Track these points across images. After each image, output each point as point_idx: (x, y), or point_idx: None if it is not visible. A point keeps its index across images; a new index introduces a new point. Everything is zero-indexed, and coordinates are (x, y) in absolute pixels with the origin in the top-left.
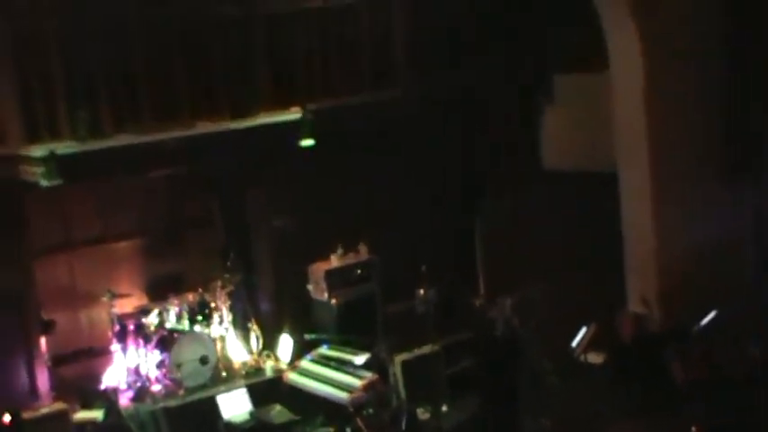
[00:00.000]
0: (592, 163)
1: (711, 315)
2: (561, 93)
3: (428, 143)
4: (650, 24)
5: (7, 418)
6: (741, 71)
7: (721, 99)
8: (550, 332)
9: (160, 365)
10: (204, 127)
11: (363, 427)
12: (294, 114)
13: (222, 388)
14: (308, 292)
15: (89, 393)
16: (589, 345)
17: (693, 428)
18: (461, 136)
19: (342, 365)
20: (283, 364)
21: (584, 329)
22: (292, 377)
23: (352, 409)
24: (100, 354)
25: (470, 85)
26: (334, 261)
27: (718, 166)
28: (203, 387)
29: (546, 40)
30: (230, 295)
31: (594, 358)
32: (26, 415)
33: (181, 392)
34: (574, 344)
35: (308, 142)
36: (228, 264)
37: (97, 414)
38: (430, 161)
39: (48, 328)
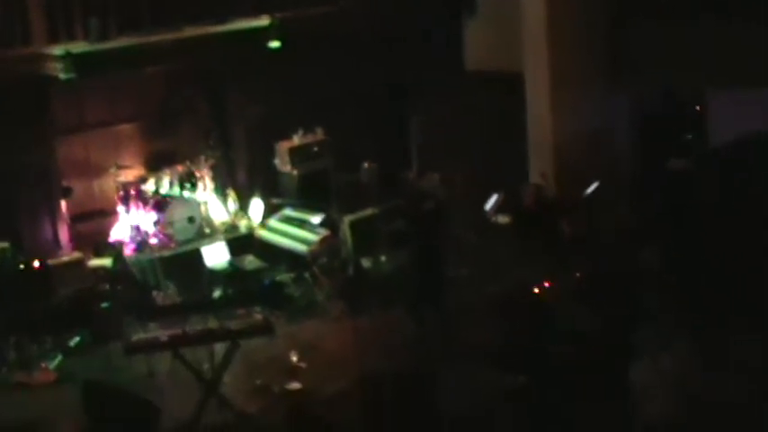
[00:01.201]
0: (505, 65)
1: (594, 186)
2: (482, 6)
3: (374, 47)
4: None
5: (37, 263)
6: None
7: (609, 10)
8: (468, 200)
9: (156, 223)
10: (191, 31)
11: (318, 273)
12: (264, 21)
13: (206, 241)
14: (275, 165)
15: (100, 245)
16: (498, 209)
17: (577, 274)
18: (400, 42)
19: (302, 224)
20: (255, 223)
21: (494, 196)
22: (262, 233)
23: (309, 259)
24: (108, 214)
25: (408, 7)
26: (296, 140)
27: (604, 66)
28: (191, 241)
29: None
30: (213, 167)
31: (502, 219)
32: (51, 261)
33: (173, 245)
34: (486, 208)
35: (275, 44)
36: (211, 142)
37: (107, 261)
38: (376, 61)
39: (67, 193)
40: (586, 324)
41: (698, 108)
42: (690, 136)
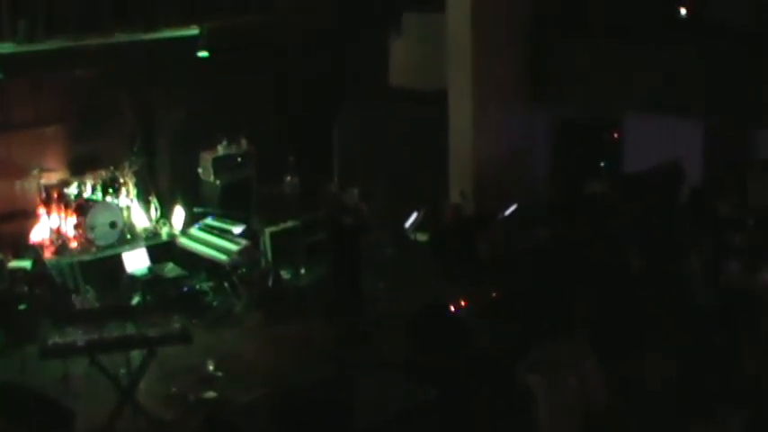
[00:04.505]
0: (429, 83)
1: (513, 207)
2: (408, 27)
3: (300, 59)
4: None
5: None
6: (547, 16)
7: (531, 34)
8: (388, 215)
9: (77, 227)
10: (120, 36)
11: (237, 282)
12: (193, 30)
13: (127, 247)
14: (198, 173)
15: (20, 247)
16: (418, 226)
17: (494, 294)
18: (327, 58)
19: (223, 233)
20: (176, 231)
21: (414, 214)
22: (183, 241)
23: (229, 268)
24: (29, 215)
25: (334, 21)
26: (220, 150)
27: (525, 89)
28: (111, 246)
29: None
30: (136, 173)
31: (421, 236)
32: None
33: (93, 249)
34: (406, 225)
35: (203, 54)
36: (135, 148)
37: (26, 263)
38: (300, 73)
39: None
40: (496, 341)
41: (616, 135)
42: (603, 163)
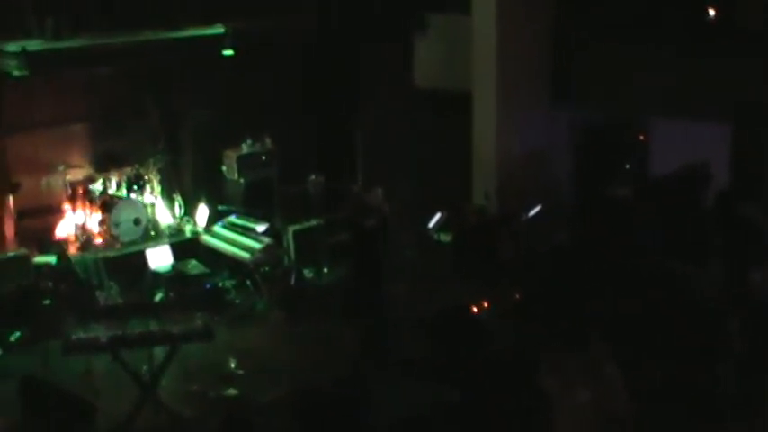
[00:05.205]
0: (454, 83)
1: (536, 209)
2: (433, 27)
3: (326, 60)
4: None
5: None
6: (571, 18)
7: (556, 36)
8: (412, 215)
9: (101, 224)
10: (146, 35)
11: (260, 281)
12: (218, 29)
13: (150, 244)
14: (222, 171)
15: (45, 242)
16: (441, 227)
17: (516, 295)
18: (351, 59)
19: (246, 232)
20: (200, 228)
21: (437, 215)
22: (206, 238)
23: (252, 267)
24: (55, 211)
25: (359, 23)
26: (244, 148)
27: (548, 91)
28: (135, 243)
29: None
30: (160, 171)
31: (444, 237)
32: None
33: (117, 246)
34: (429, 225)
35: (228, 52)
36: (160, 146)
37: (51, 259)
38: (326, 73)
39: (14, 188)
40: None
41: (642, 137)
42: (627, 165)
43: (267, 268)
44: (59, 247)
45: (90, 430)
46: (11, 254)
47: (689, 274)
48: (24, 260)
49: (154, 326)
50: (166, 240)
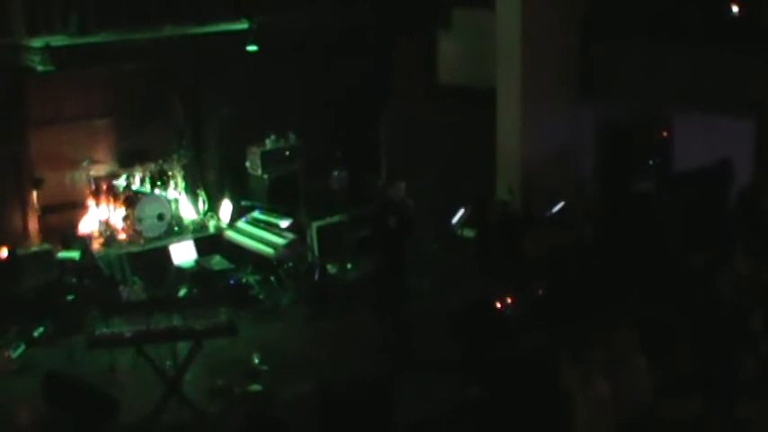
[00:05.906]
0: (477, 80)
1: (560, 205)
2: (457, 24)
3: (349, 55)
4: None
5: (4, 252)
6: (599, 12)
7: (581, 32)
8: (435, 211)
9: (125, 219)
10: (170, 30)
11: (284, 276)
12: (243, 24)
13: (174, 239)
14: (246, 167)
15: (69, 237)
16: (464, 223)
17: (540, 291)
18: (375, 54)
19: (270, 227)
20: (223, 224)
21: (461, 210)
22: (230, 234)
23: (276, 262)
24: (79, 207)
25: (382, 18)
26: (268, 144)
27: (575, 84)
28: (159, 238)
29: None
30: (184, 167)
31: (467, 233)
32: (20, 251)
33: (141, 241)
34: (453, 221)
35: (252, 48)
36: (184, 142)
37: (75, 254)
38: (350, 69)
39: (38, 183)
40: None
41: (665, 133)
42: (651, 161)
43: (291, 264)
44: (83, 242)
45: (114, 425)
46: (35, 249)
47: (712, 271)
48: (48, 255)
49: (178, 321)
50: (190, 236)
